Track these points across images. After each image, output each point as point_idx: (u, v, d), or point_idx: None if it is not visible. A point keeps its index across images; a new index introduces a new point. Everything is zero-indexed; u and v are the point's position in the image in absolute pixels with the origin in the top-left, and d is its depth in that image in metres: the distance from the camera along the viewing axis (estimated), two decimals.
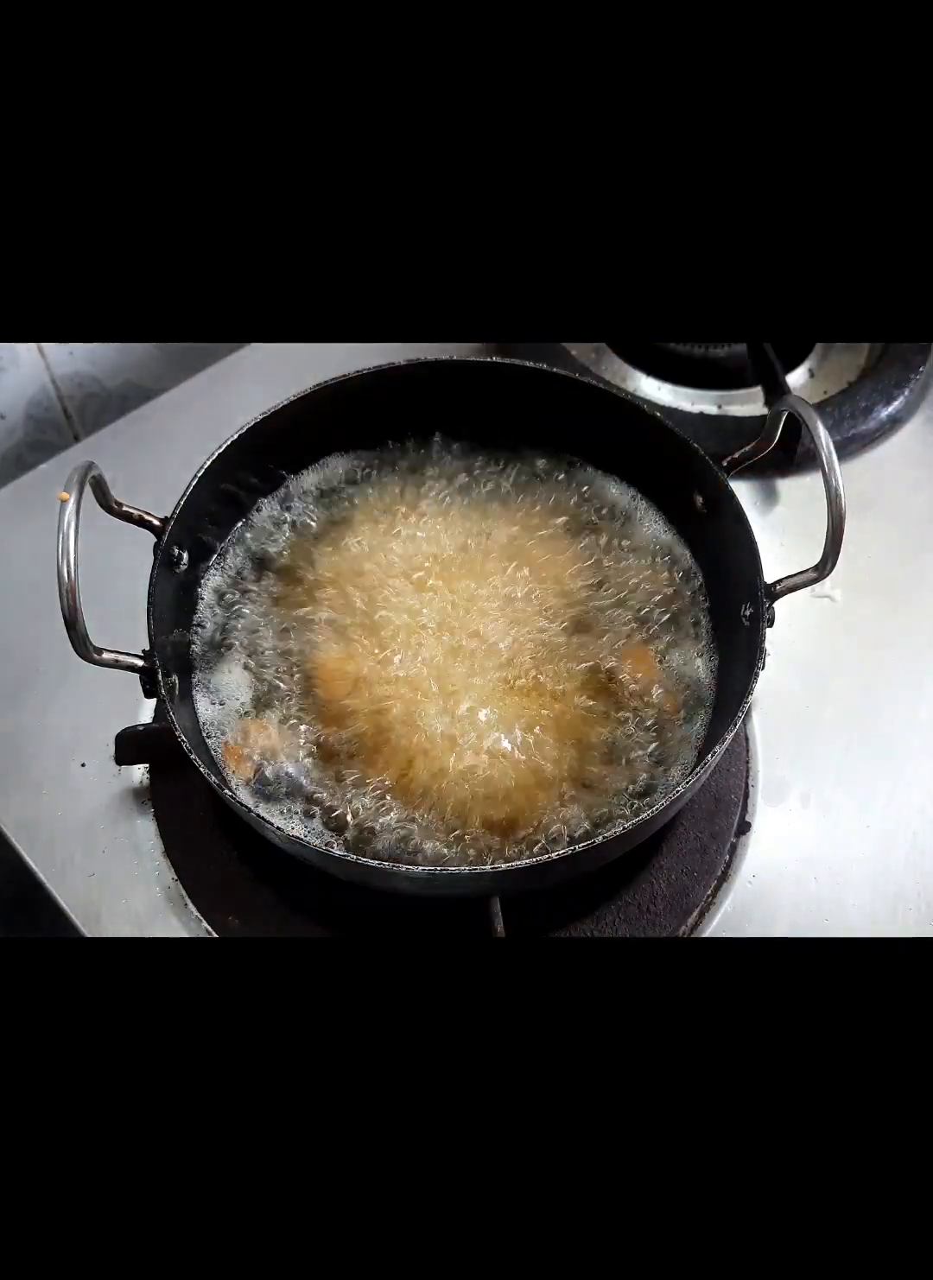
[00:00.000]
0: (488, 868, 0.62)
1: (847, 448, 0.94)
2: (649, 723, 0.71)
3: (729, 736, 0.63)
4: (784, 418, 0.69)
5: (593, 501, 0.81)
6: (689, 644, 0.75)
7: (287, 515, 0.80)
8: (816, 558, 0.65)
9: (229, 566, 0.78)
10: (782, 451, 0.89)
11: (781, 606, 0.67)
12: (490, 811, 0.67)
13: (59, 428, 1.07)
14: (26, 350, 0.99)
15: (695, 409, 0.97)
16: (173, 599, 0.72)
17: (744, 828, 0.77)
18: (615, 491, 0.81)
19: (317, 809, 0.68)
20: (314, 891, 0.70)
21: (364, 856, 0.64)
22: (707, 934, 0.73)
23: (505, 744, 0.69)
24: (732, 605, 0.71)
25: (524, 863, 0.60)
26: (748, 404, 0.98)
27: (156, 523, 0.69)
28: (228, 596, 0.77)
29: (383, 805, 0.68)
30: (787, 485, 0.93)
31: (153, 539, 0.69)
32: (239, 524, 0.79)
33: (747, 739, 0.80)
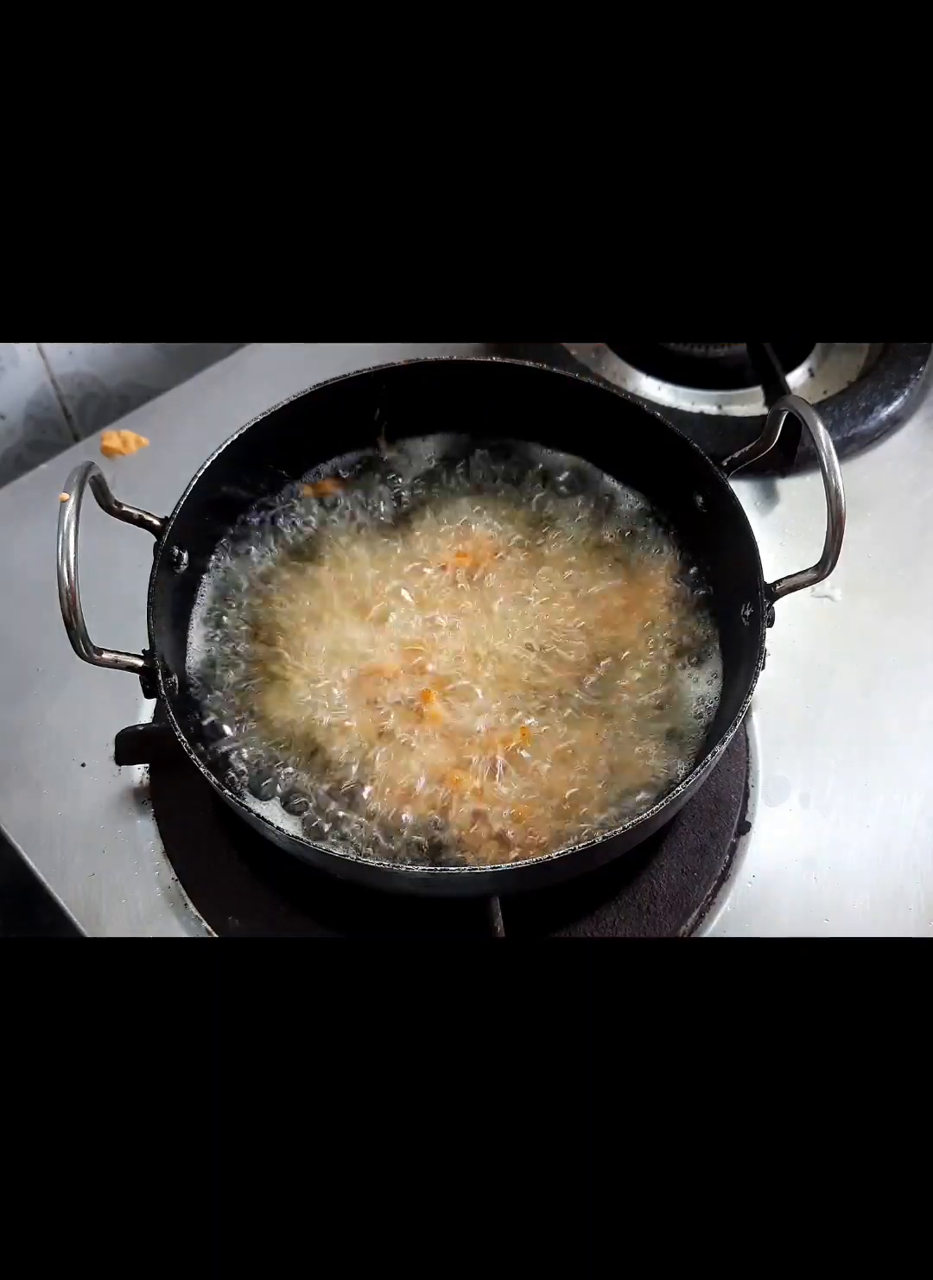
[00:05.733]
0: (488, 868, 0.62)
1: (847, 448, 0.94)
2: (648, 721, 0.71)
3: (729, 736, 0.63)
4: (784, 418, 0.69)
5: (592, 502, 0.81)
6: (689, 644, 0.75)
7: (287, 515, 0.80)
8: (816, 558, 0.65)
9: (229, 566, 0.78)
10: (782, 451, 0.89)
11: (781, 606, 0.67)
12: (490, 813, 0.67)
13: (59, 428, 1.07)
14: (26, 350, 0.99)
15: (696, 409, 0.97)
16: (173, 599, 0.72)
17: (744, 828, 0.77)
18: (615, 491, 0.81)
19: (309, 804, 0.68)
20: (314, 891, 0.70)
21: (364, 856, 0.64)
22: (707, 934, 0.73)
23: (504, 743, 0.69)
24: (732, 605, 0.71)
25: (524, 863, 0.60)
26: (748, 404, 0.98)
27: (156, 523, 0.69)
28: (228, 596, 0.77)
29: (385, 806, 0.68)
30: (787, 485, 0.93)
31: (153, 539, 0.69)
32: (239, 524, 0.79)
33: (747, 739, 0.80)
